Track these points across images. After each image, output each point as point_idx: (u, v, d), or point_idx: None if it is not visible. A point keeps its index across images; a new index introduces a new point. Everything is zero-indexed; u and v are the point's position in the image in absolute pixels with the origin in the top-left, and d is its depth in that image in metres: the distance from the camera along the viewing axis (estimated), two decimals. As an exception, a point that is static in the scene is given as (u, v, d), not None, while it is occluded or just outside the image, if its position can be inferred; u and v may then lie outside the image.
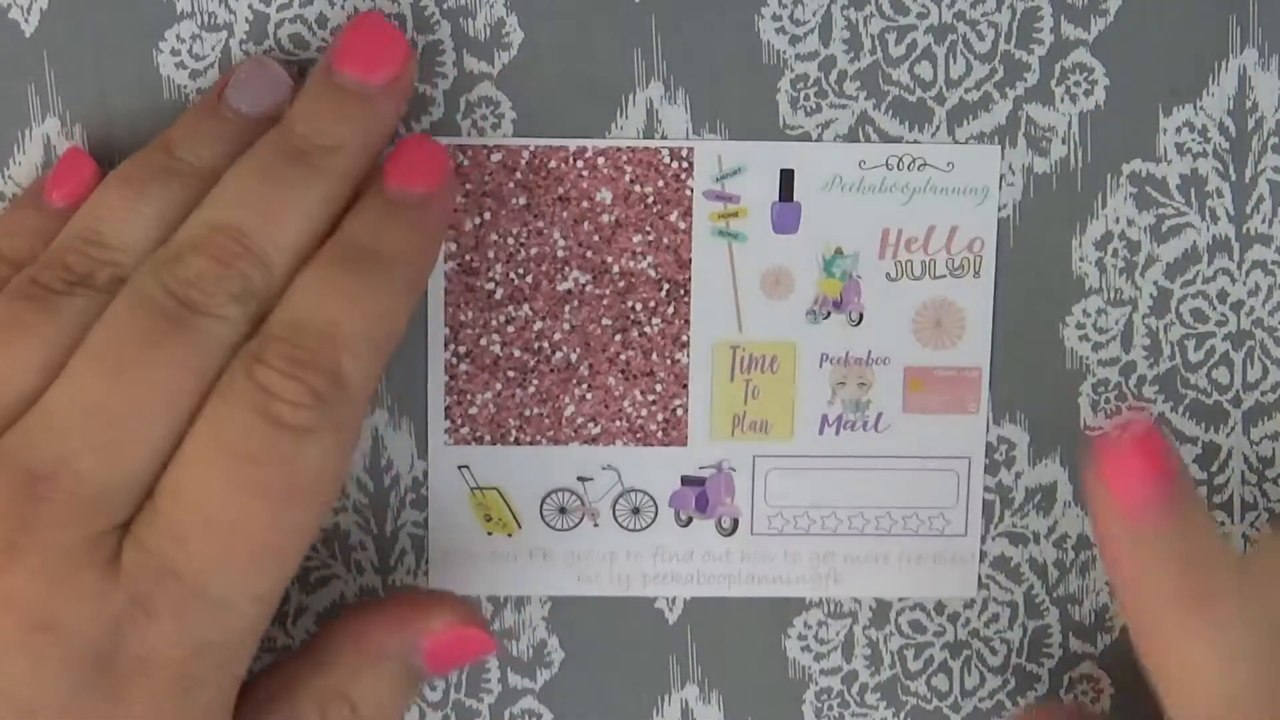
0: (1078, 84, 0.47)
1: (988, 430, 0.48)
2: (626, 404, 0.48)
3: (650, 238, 0.47)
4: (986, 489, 0.49)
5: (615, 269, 0.47)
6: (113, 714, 0.40)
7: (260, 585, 0.41)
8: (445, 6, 0.46)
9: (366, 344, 0.42)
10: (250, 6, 0.46)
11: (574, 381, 0.48)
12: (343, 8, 0.46)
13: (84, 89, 0.46)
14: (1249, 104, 0.47)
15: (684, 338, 0.48)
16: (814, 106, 0.47)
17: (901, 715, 0.50)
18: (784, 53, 0.47)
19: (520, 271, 0.47)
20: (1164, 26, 0.47)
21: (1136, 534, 0.41)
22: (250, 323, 0.41)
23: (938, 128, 0.47)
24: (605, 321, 0.48)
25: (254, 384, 0.40)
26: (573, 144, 0.47)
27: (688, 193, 0.47)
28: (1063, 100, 0.47)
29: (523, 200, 0.47)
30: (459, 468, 0.48)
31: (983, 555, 0.49)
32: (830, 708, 0.50)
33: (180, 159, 0.44)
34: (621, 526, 0.49)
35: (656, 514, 0.49)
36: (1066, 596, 0.49)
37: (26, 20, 0.46)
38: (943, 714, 0.50)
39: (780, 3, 0.47)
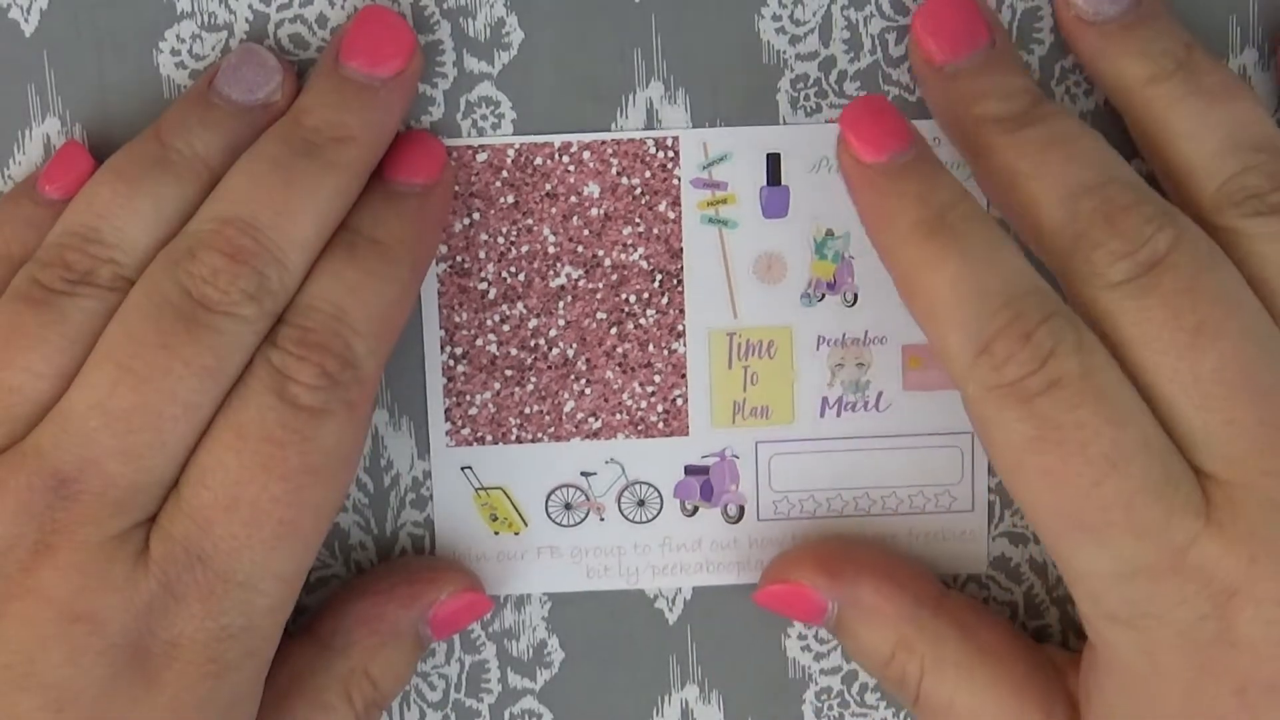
0: (1078, 84, 0.47)
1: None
2: (626, 397, 0.48)
3: (640, 229, 0.47)
4: (988, 489, 0.49)
5: (607, 262, 0.47)
6: (145, 700, 0.41)
7: (282, 565, 0.42)
8: (445, 6, 0.46)
9: (373, 328, 0.43)
10: (250, 6, 0.46)
11: (572, 377, 0.48)
12: (342, 8, 0.46)
13: (84, 89, 0.46)
14: (1250, 103, 0.47)
15: (679, 327, 0.48)
16: (814, 106, 0.47)
17: (901, 715, 0.50)
18: (784, 53, 0.47)
19: (512, 270, 0.47)
20: (1164, 26, 0.47)
21: (874, 170, 0.43)
22: (267, 319, 0.42)
23: (937, 127, 0.47)
24: (600, 315, 0.48)
25: (269, 368, 0.41)
26: (558, 139, 0.47)
27: (675, 182, 0.47)
28: (1063, 100, 0.47)
29: (511, 198, 0.47)
30: (462, 469, 0.48)
31: (988, 552, 0.49)
32: (830, 708, 0.50)
33: (172, 149, 0.44)
34: (627, 519, 0.49)
35: (662, 505, 0.49)
36: (1066, 596, 0.49)
37: (26, 20, 0.46)
38: (943, 714, 0.50)
39: (780, 3, 0.47)
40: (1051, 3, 0.47)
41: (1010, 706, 0.45)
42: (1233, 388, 0.40)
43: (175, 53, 0.46)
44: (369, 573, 0.48)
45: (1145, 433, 0.40)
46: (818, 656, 0.49)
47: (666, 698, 0.50)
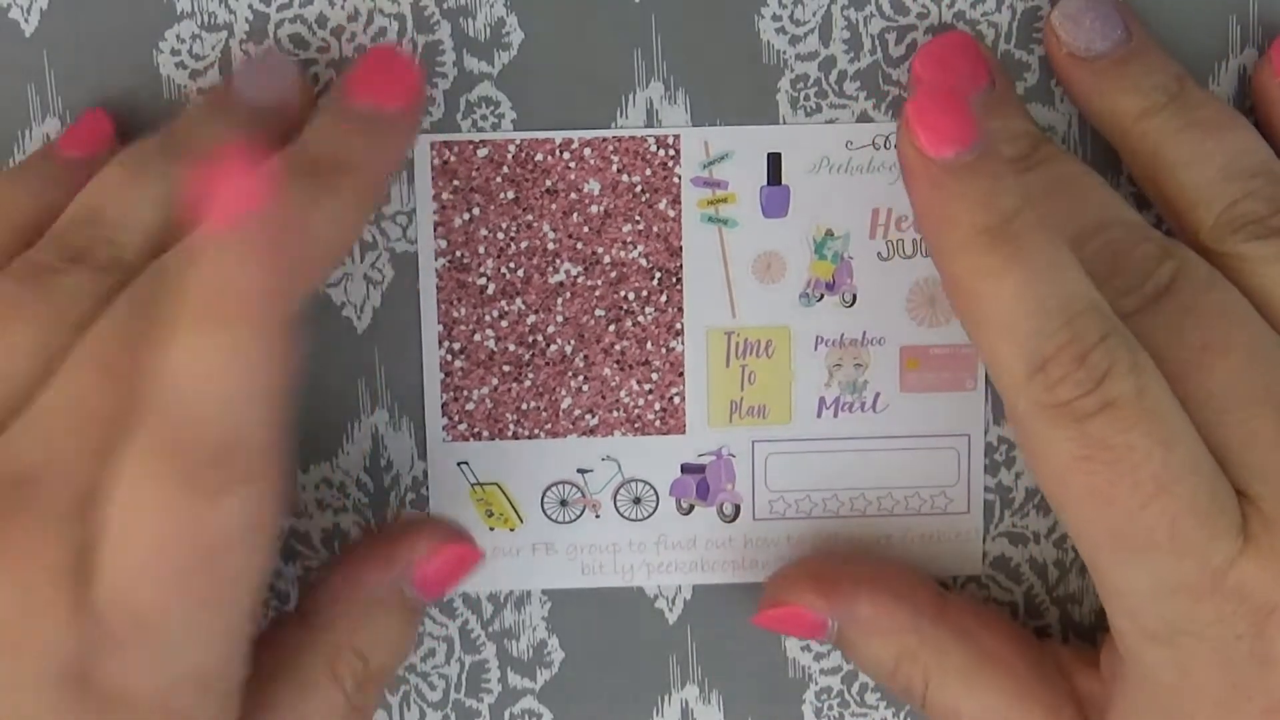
0: (1078, 83, 0.47)
1: (986, 406, 0.48)
2: (623, 394, 0.48)
3: (640, 227, 0.47)
4: (987, 489, 0.49)
5: (606, 259, 0.47)
6: None
7: (219, 623, 0.39)
8: (445, 6, 0.46)
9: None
10: (250, 6, 0.46)
11: (570, 374, 0.48)
12: (342, 8, 0.46)
13: (84, 89, 0.46)
14: (1249, 104, 0.47)
15: (678, 326, 0.48)
16: (814, 106, 0.47)
17: (901, 715, 0.50)
18: (784, 53, 0.47)
19: (511, 266, 0.47)
20: (1164, 26, 0.47)
21: (939, 167, 0.41)
22: None
23: (937, 127, 0.47)
24: (598, 312, 0.48)
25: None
26: (559, 136, 0.47)
27: (676, 180, 0.47)
28: (1062, 100, 0.47)
29: (511, 194, 0.47)
30: (458, 464, 0.48)
31: (983, 555, 0.49)
32: (830, 708, 0.50)
33: (184, 142, 0.44)
34: (623, 517, 0.49)
35: (658, 503, 0.49)
36: (1066, 596, 0.49)
37: (26, 20, 0.46)
38: (943, 714, 0.50)
39: (780, 3, 0.47)
40: (1052, 4, 0.47)
41: (1015, 711, 0.45)
42: (1246, 401, 0.40)
43: (175, 53, 0.46)
44: (351, 543, 0.48)
45: (1194, 454, 0.40)
46: (818, 656, 0.49)
47: (666, 698, 0.50)
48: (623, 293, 0.47)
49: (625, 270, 0.47)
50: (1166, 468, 0.39)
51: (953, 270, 0.41)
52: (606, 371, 0.48)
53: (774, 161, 0.47)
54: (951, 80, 0.45)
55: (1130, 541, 0.40)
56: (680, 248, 0.47)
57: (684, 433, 0.48)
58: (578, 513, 0.49)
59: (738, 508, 0.49)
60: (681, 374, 0.48)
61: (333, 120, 0.44)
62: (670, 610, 0.49)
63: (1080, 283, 0.40)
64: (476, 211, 0.47)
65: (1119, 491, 0.39)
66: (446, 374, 0.48)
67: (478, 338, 0.48)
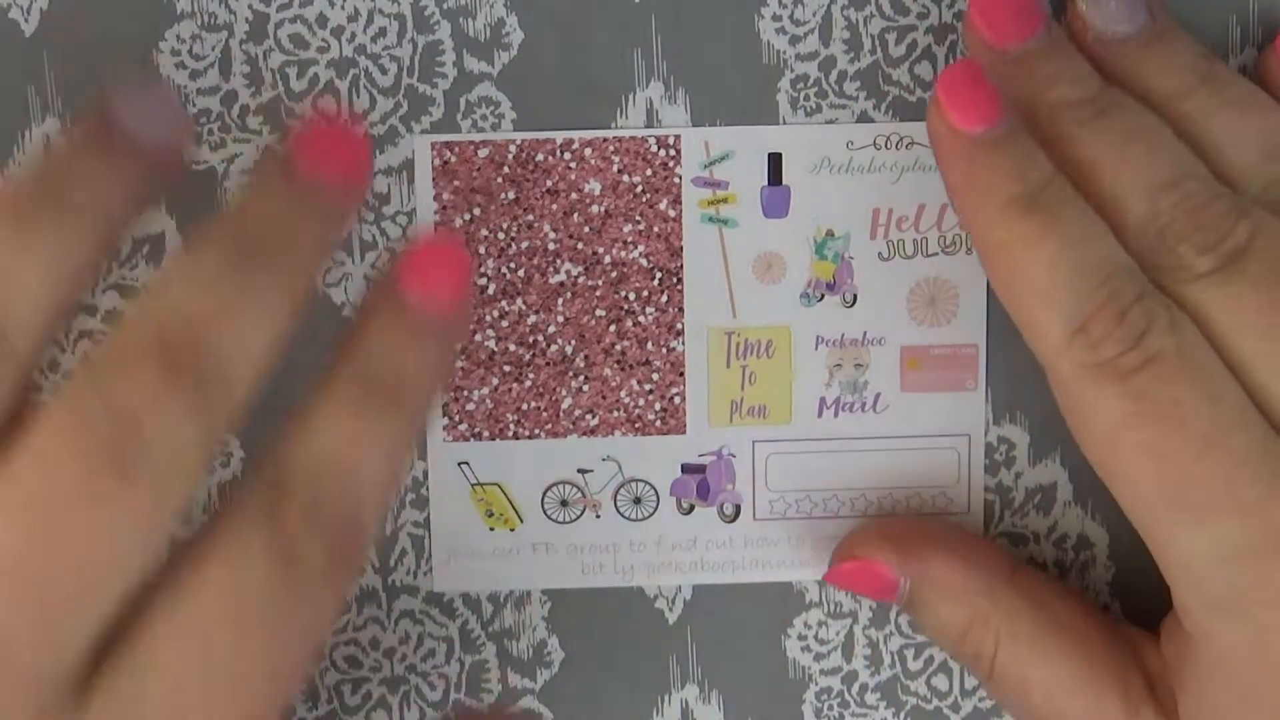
0: (1078, 82, 0.47)
1: (986, 406, 0.48)
2: (624, 394, 0.48)
3: (641, 227, 0.47)
4: (987, 489, 0.49)
5: (607, 260, 0.47)
6: None
7: None
8: (445, 6, 0.46)
9: (386, 489, 0.38)
10: (250, 6, 0.46)
11: (570, 374, 0.48)
12: (342, 8, 0.46)
13: (84, 89, 0.46)
14: (1249, 103, 0.47)
15: (678, 326, 0.48)
16: (814, 107, 0.47)
17: (901, 715, 0.50)
18: (784, 53, 0.47)
19: (512, 266, 0.47)
20: (1164, 26, 0.47)
21: (970, 141, 0.42)
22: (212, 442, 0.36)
23: (937, 127, 0.47)
24: (599, 312, 0.48)
25: (275, 534, 0.36)
26: (559, 136, 0.47)
27: (676, 180, 0.47)
28: (1062, 100, 0.47)
29: (511, 194, 0.47)
30: (459, 464, 0.48)
31: (983, 555, 0.49)
32: (830, 708, 0.50)
33: (63, 192, 0.37)
34: (623, 517, 0.49)
35: (658, 503, 0.49)
36: (1067, 596, 0.49)
37: (26, 20, 0.46)
38: (943, 714, 0.50)
39: (780, 3, 0.47)
40: (1051, 4, 0.47)
41: (1085, 679, 0.45)
42: None
43: (175, 53, 0.46)
44: None
45: (1240, 407, 0.40)
46: (818, 657, 0.49)
47: (666, 698, 0.50)
48: (623, 293, 0.47)
49: (626, 270, 0.47)
50: (1215, 422, 0.39)
51: (989, 240, 0.42)
52: (607, 371, 0.48)
53: (774, 161, 0.47)
54: (1011, 23, 0.45)
55: (1188, 500, 0.40)
56: (681, 248, 0.47)
57: (684, 433, 0.48)
58: (578, 513, 0.49)
59: (738, 508, 0.49)
60: (682, 374, 0.48)
61: (274, 192, 0.39)
62: (670, 610, 0.49)
63: (1112, 245, 0.41)
64: (477, 211, 0.47)
65: (1170, 446, 0.40)
66: (447, 374, 0.48)
67: (478, 338, 0.47)
